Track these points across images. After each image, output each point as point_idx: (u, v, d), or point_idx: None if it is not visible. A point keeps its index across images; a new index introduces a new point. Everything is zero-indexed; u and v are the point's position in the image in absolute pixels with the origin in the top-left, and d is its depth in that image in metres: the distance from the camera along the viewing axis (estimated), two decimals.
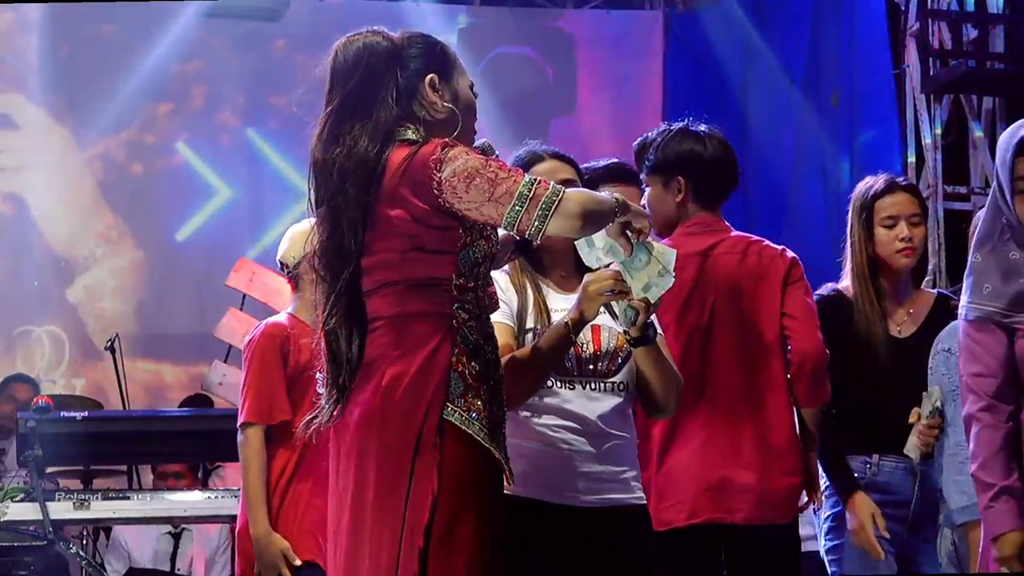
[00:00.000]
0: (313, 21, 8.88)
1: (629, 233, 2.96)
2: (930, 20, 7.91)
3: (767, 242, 3.85)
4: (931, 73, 7.88)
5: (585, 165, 3.63)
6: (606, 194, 2.91)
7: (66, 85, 8.89)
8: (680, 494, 3.66)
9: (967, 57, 7.86)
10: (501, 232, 2.96)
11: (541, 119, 9.09)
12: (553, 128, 9.09)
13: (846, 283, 4.13)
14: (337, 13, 8.60)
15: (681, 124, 3.84)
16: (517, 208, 2.74)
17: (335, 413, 2.84)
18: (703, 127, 3.84)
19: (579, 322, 3.05)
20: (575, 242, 3.07)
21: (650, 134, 3.88)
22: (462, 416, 2.78)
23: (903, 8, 8.14)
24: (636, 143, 3.93)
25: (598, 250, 3.02)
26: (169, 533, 6.52)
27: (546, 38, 9.46)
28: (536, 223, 2.75)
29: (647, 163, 3.84)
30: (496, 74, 8.90)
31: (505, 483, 2.88)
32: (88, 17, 8.87)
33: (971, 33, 7.99)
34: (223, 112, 9.11)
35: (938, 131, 7.91)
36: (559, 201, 2.75)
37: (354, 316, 2.85)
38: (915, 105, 8.03)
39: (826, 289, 4.12)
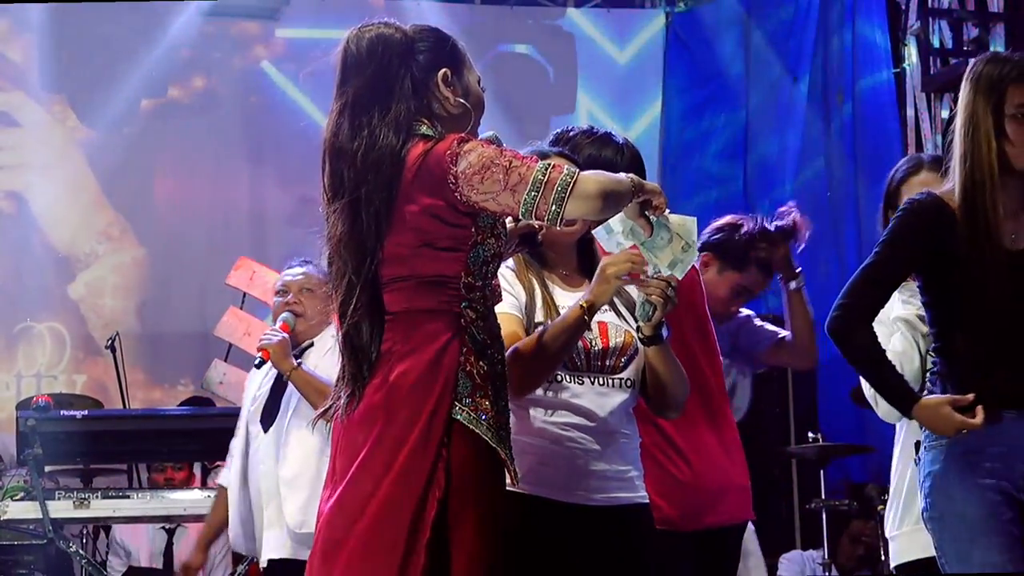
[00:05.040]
0: (313, 20, 8.90)
1: (648, 212, 2.94)
2: (931, 19, 7.92)
3: None
4: (932, 72, 7.88)
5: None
6: (622, 175, 2.88)
7: (67, 83, 8.89)
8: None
9: (968, 56, 7.85)
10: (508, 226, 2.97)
11: (541, 118, 9.06)
12: (553, 127, 9.05)
13: (946, 188, 3.28)
14: (337, 12, 8.58)
15: (606, 130, 3.64)
16: (533, 194, 2.73)
17: (352, 404, 2.83)
18: (622, 137, 3.62)
19: (594, 304, 3.05)
20: (593, 231, 3.05)
21: (571, 131, 3.60)
22: (470, 416, 2.79)
23: (904, 7, 8.14)
24: (554, 134, 3.64)
25: (617, 235, 2.99)
26: (163, 528, 6.51)
27: (546, 36, 9.45)
28: (553, 208, 2.73)
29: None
30: (496, 73, 8.89)
31: (510, 481, 2.88)
32: (88, 15, 8.87)
33: (972, 32, 7.99)
34: (223, 111, 9.11)
35: (939, 130, 7.92)
36: (574, 183, 2.74)
37: (375, 308, 2.85)
38: (916, 104, 8.03)
39: (921, 194, 3.32)
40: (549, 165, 2.77)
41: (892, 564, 3.60)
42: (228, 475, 4.73)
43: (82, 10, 8.81)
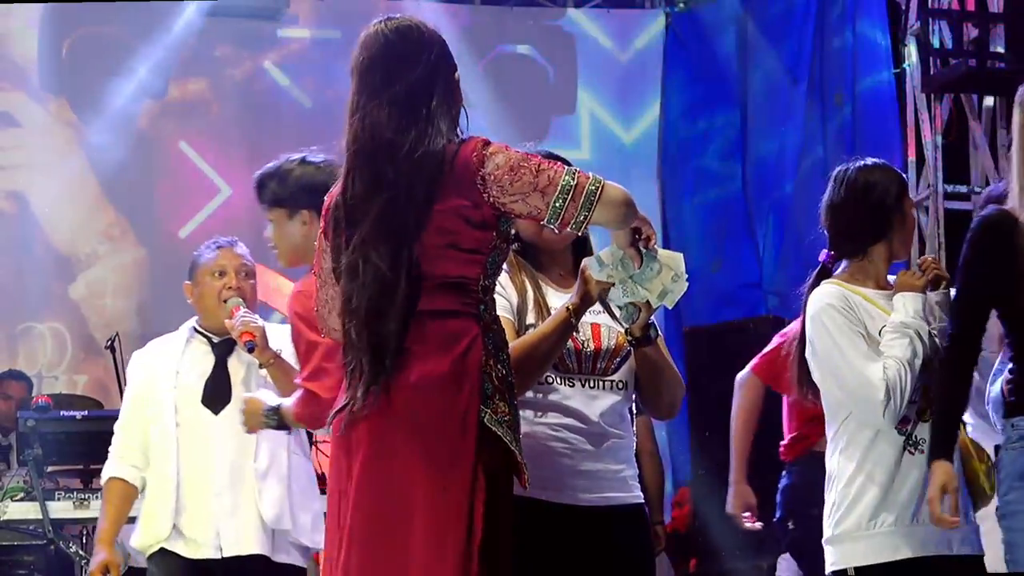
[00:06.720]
0: (313, 20, 8.90)
1: (639, 244, 2.94)
2: (931, 19, 7.90)
3: None
4: (932, 72, 7.87)
5: None
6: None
7: (67, 83, 8.89)
8: None
9: (968, 56, 7.85)
10: None
11: (541, 118, 9.09)
12: (553, 127, 9.09)
13: (1012, 203, 3.39)
14: (336, 12, 8.59)
15: (301, 155, 3.74)
16: (562, 199, 2.75)
17: (369, 402, 2.79)
18: (322, 158, 3.70)
19: (580, 307, 3.05)
20: (585, 262, 3.05)
21: (270, 166, 3.80)
22: (492, 418, 2.79)
23: (903, 7, 8.13)
24: (257, 175, 3.84)
25: (608, 267, 3.00)
26: None
27: (546, 37, 9.45)
28: (582, 214, 2.76)
29: (269, 195, 3.81)
30: (496, 73, 8.91)
31: (519, 485, 2.88)
32: (89, 15, 8.88)
33: (972, 32, 7.98)
34: (223, 110, 9.12)
35: (939, 131, 7.92)
36: (601, 191, 2.76)
37: (410, 304, 2.80)
38: (915, 105, 8.02)
39: (989, 209, 3.48)
40: (575, 171, 2.78)
41: (860, 563, 3.45)
42: (117, 467, 4.37)
43: (82, 10, 8.82)
